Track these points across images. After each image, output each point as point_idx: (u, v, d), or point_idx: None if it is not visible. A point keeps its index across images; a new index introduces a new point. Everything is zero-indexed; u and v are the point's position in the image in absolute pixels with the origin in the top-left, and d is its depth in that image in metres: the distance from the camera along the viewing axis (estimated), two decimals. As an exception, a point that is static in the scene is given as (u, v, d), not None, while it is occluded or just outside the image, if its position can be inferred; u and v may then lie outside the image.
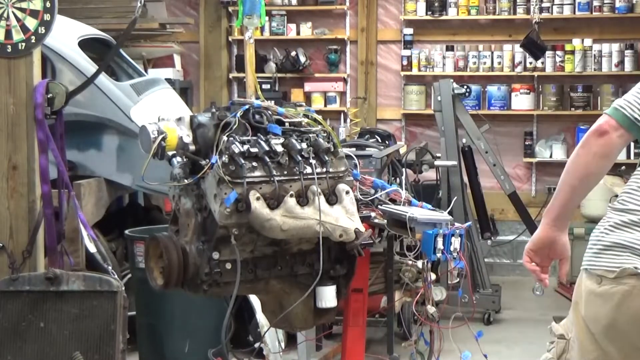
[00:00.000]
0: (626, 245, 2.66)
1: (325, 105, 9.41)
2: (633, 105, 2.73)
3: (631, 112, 2.72)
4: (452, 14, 9.13)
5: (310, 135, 3.40)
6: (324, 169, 3.34)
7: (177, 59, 9.26)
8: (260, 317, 4.98)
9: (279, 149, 3.30)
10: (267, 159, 3.26)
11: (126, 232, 5.64)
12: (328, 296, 3.44)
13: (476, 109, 8.66)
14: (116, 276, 4.49)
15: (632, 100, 2.74)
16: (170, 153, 3.37)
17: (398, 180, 6.40)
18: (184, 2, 9.74)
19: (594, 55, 8.80)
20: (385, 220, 3.59)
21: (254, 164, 3.25)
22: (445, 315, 4.06)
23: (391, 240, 3.90)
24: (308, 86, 9.48)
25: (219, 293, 3.37)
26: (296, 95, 9.46)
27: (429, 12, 9.13)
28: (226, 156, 3.22)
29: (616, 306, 2.63)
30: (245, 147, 3.26)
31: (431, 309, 3.89)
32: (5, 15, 4.53)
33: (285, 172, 3.29)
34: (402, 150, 7.13)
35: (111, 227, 6.33)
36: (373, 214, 3.67)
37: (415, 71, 9.24)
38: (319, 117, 3.55)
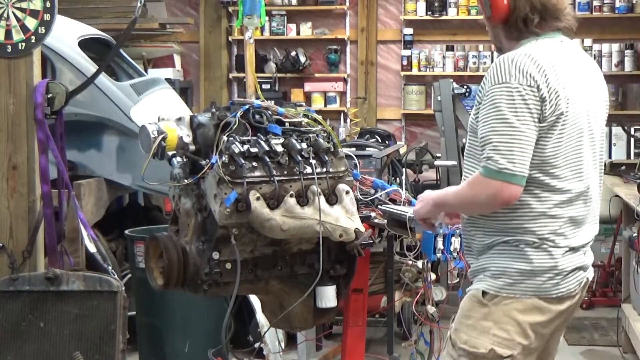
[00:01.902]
0: (581, 266, 3.01)
1: (325, 105, 9.41)
2: (519, 161, 2.84)
3: (523, 169, 2.84)
4: (452, 14, 9.13)
5: (310, 135, 3.40)
6: (324, 169, 3.34)
7: (177, 59, 9.26)
8: (260, 317, 4.98)
9: (279, 149, 3.30)
10: (267, 159, 3.26)
11: (126, 232, 5.64)
12: (328, 296, 3.44)
13: (476, 109, 8.64)
14: (116, 276, 4.49)
15: (517, 156, 2.83)
16: (170, 153, 3.37)
17: (398, 180, 6.40)
18: (184, 2, 9.74)
19: (594, 55, 8.80)
20: (385, 220, 3.59)
21: (254, 164, 3.25)
22: (445, 315, 4.06)
23: (391, 240, 3.91)
24: (308, 86, 9.48)
25: (219, 293, 3.37)
26: (296, 95, 9.46)
27: (429, 12, 9.13)
28: (226, 156, 3.21)
29: (569, 311, 3.04)
30: (245, 147, 3.26)
31: (431, 309, 3.90)
32: (5, 15, 4.53)
33: (285, 172, 3.29)
34: (402, 150, 7.13)
35: (111, 227, 6.33)
36: (373, 214, 3.68)
37: (415, 71, 9.24)
38: (319, 117, 3.55)
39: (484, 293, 2.96)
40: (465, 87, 7.53)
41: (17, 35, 4.53)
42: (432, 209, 3.11)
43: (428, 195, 3.14)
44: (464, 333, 2.97)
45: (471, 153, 3.08)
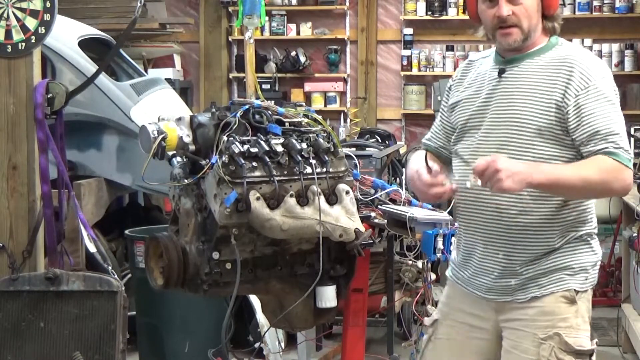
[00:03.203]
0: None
1: (325, 105, 9.41)
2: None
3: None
4: (452, 14, 9.14)
5: (310, 135, 3.39)
6: (324, 169, 3.33)
7: (177, 59, 9.27)
8: (260, 317, 4.98)
9: (279, 149, 3.30)
10: (267, 159, 3.25)
11: (126, 232, 5.64)
12: (328, 296, 3.43)
13: (476, 109, 8.63)
14: (116, 276, 4.49)
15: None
16: (170, 153, 3.36)
17: (398, 180, 6.40)
18: (184, 2, 9.74)
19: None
20: (385, 220, 3.59)
21: (254, 164, 3.24)
22: (445, 315, 4.04)
23: (391, 240, 3.91)
24: (308, 86, 9.48)
25: (219, 293, 3.37)
26: (296, 95, 9.46)
27: (429, 12, 9.14)
28: (226, 156, 3.21)
29: None
30: (245, 147, 3.25)
31: (431, 309, 3.90)
32: (5, 15, 4.53)
33: (285, 172, 3.28)
34: (402, 150, 7.14)
35: (111, 227, 6.33)
36: (373, 214, 3.68)
37: (415, 71, 9.24)
38: (319, 117, 3.55)
39: (575, 291, 3.04)
40: (465, 87, 7.51)
41: (17, 35, 4.53)
42: (525, 186, 2.81)
43: (518, 169, 2.78)
44: (567, 336, 3.02)
45: (532, 150, 2.94)
